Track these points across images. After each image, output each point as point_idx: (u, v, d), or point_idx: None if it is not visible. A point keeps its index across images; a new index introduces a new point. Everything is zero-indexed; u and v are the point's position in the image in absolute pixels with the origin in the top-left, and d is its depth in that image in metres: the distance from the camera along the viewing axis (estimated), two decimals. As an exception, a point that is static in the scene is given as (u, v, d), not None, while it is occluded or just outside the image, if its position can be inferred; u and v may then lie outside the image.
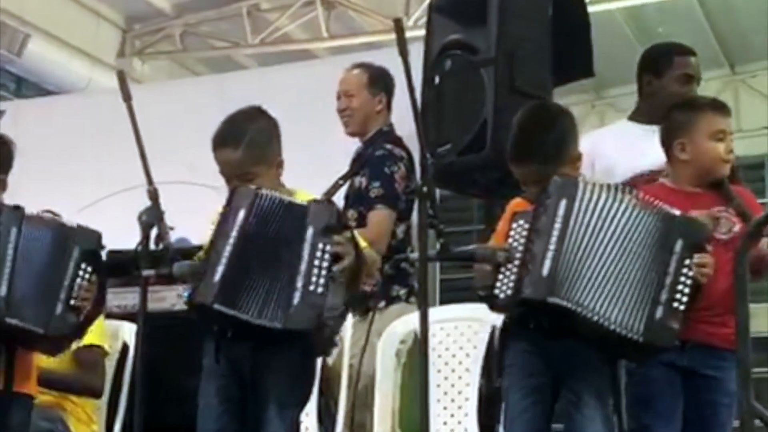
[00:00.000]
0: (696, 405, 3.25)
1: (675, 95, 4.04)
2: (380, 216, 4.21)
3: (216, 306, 2.99)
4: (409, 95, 2.87)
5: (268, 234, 3.05)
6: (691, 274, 2.95)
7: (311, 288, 2.96)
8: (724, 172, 3.36)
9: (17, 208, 3.41)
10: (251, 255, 3.04)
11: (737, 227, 3.25)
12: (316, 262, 2.98)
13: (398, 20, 2.87)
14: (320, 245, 2.99)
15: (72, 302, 3.32)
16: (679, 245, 2.96)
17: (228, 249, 3.02)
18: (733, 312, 3.15)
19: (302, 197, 3.18)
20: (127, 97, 3.19)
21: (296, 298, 2.96)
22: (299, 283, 2.97)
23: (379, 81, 4.44)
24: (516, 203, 3.17)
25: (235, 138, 3.19)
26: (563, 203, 2.94)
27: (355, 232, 3.15)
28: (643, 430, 3.21)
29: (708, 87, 10.97)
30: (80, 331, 3.44)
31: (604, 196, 2.97)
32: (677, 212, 3.02)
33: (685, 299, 2.94)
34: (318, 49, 9.94)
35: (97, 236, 3.45)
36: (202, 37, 10.23)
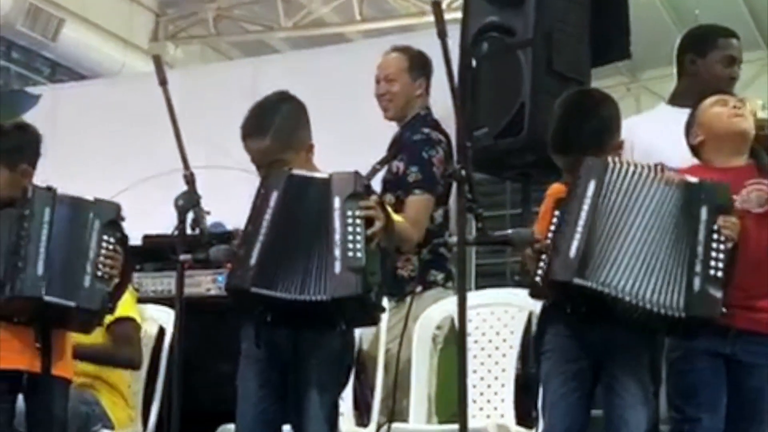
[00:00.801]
0: (739, 392, 3.20)
1: (718, 77, 4.02)
2: (418, 201, 4.18)
3: (253, 289, 2.98)
4: (448, 79, 2.83)
5: (299, 212, 3.05)
6: (722, 239, 2.91)
7: (350, 254, 2.96)
8: (739, 127, 3.30)
9: (49, 189, 3.46)
10: (286, 235, 3.03)
11: None
12: (349, 228, 2.98)
13: (437, 3, 2.84)
14: (349, 212, 2.99)
15: (99, 273, 3.37)
16: (704, 212, 2.94)
17: (263, 231, 3.02)
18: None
19: None
20: (162, 81, 3.18)
21: (337, 267, 2.95)
22: (337, 252, 2.96)
23: (420, 65, 4.40)
24: (557, 189, 3.14)
25: (261, 127, 3.18)
26: (592, 184, 2.93)
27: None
28: (688, 421, 3.18)
29: (746, 70, 10.90)
30: (111, 302, 3.47)
31: (630, 175, 2.95)
32: (695, 179, 2.99)
33: (721, 265, 2.90)
34: (351, 32, 9.92)
35: (115, 207, 3.50)
36: (235, 21, 10.25)
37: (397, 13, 9.76)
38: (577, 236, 2.88)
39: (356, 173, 3.09)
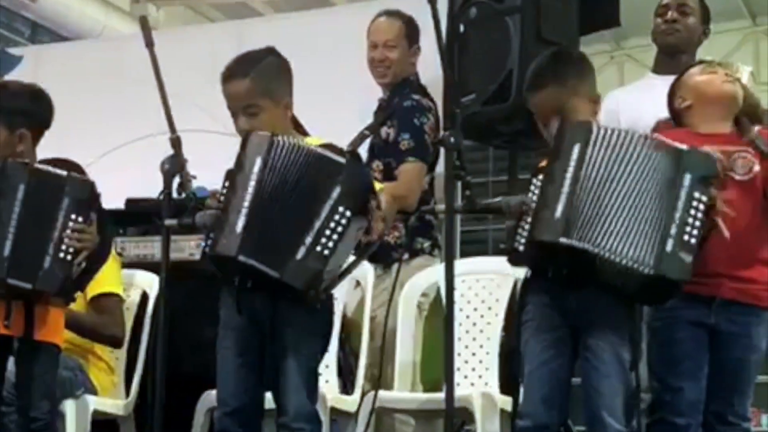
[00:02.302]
0: (722, 363, 3.22)
1: (655, 30, 4.08)
2: (412, 169, 4.16)
3: (241, 258, 2.96)
4: (438, 45, 2.81)
5: (289, 182, 3.01)
6: (701, 207, 2.91)
7: (318, 249, 2.94)
8: (730, 91, 3.30)
9: (25, 164, 3.37)
10: (271, 204, 3.00)
11: (757, 167, 3.19)
12: (332, 225, 2.94)
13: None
14: (341, 209, 2.95)
15: (61, 255, 3.28)
16: (687, 179, 2.93)
17: (248, 198, 2.99)
18: (758, 260, 3.12)
19: (313, 142, 3.15)
20: (149, 43, 3.14)
21: (300, 254, 2.94)
22: (308, 240, 2.94)
23: (415, 31, 4.38)
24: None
25: (243, 69, 3.18)
26: (576, 147, 2.92)
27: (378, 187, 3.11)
28: (669, 390, 3.19)
29: (729, 39, 10.93)
30: (79, 284, 3.42)
31: (615, 139, 2.94)
32: (684, 147, 2.98)
33: (695, 232, 2.90)
34: (334, -4, 9.83)
35: (88, 185, 3.38)
36: (217, -18, 10.14)
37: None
38: (563, 198, 2.88)
39: (369, 172, 3.05)
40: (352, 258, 3.13)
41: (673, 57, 4.11)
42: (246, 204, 2.98)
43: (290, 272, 2.93)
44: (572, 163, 2.90)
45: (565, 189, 2.89)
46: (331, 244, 2.93)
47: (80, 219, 3.31)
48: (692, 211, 2.91)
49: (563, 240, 2.86)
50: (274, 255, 2.96)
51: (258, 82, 3.15)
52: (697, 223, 2.90)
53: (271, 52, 3.27)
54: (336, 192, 2.96)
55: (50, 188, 3.33)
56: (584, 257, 2.89)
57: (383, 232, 3.10)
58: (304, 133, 3.32)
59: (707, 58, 3.58)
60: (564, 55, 3.30)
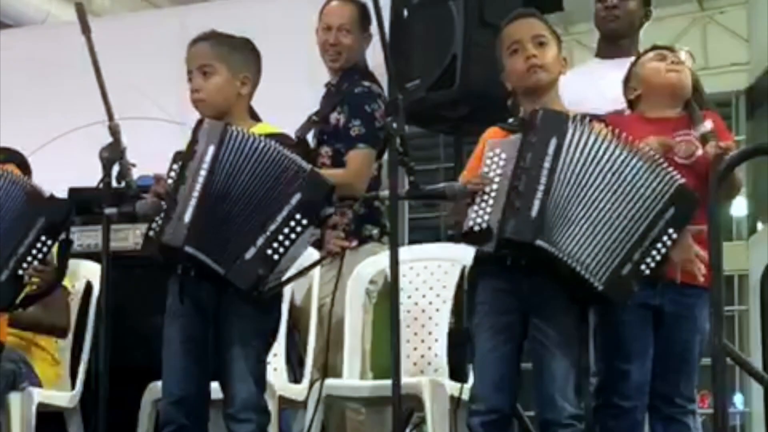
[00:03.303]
0: (668, 344, 3.24)
1: (596, 16, 4.15)
2: (361, 155, 4.13)
3: (187, 248, 2.94)
4: (379, 31, 2.80)
5: (244, 176, 2.98)
6: (669, 244, 2.93)
7: (268, 252, 2.92)
8: (675, 81, 3.32)
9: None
10: (223, 197, 2.98)
11: (700, 151, 3.21)
12: (286, 230, 2.93)
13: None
14: (298, 216, 2.93)
15: (19, 272, 3.30)
16: (670, 213, 2.94)
17: (198, 188, 2.96)
18: (703, 241, 3.14)
19: (264, 130, 3.14)
20: (86, 30, 3.10)
21: (249, 254, 2.92)
22: (260, 241, 2.92)
23: (367, 18, 4.33)
24: (491, 132, 3.12)
25: (208, 35, 3.24)
26: (553, 141, 2.90)
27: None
28: (615, 372, 3.20)
29: (676, 23, 11.04)
30: (28, 301, 3.44)
31: (593, 136, 2.94)
32: (682, 180, 2.98)
33: (653, 265, 2.94)
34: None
35: (66, 209, 3.41)
36: (163, -31, 10.04)
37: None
38: (539, 195, 2.86)
39: (331, 185, 3.02)
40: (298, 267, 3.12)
41: (614, 42, 4.13)
42: (195, 194, 2.95)
43: (236, 271, 2.92)
44: (548, 158, 2.89)
45: (542, 186, 2.87)
46: (281, 249, 2.92)
47: (49, 242, 3.33)
48: (660, 245, 2.93)
49: (538, 242, 2.86)
50: (222, 250, 2.94)
51: (217, 47, 3.20)
52: (658, 258, 2.93)
53: (246, 40, 3.30)
54: (296, 198, 2.94)
55: (29, 204, 3.36)
56: (548, 255, 2.89)
57: (333, 251, 3.08)
58: (256, 118, 3.30)
59: (657, 44, 3.58)
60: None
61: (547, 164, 2.88)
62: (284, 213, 2.92)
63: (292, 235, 2.93)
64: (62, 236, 3.38)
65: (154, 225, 3.03)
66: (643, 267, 2.92)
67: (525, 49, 3.09)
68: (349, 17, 4.32)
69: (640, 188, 2.94)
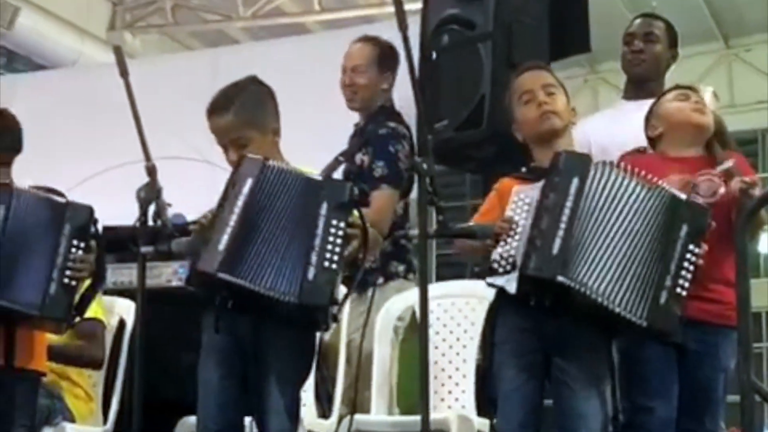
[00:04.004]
0: (691, 382, 3.24)
1: (623, 59, 4.14)
2: (384, 196, 4.17)
3: (220, 274, 2.95)
4: (410, 73, 2.84)
5: (278, 205, 3.03)
6: (693, 259, 2.94)
7: (326, 264, 2.95)
8: (698, 120, 3.34)
9: (5, 185, 3.39)
10: (259, 225, 3.01)
11: (722, 190, 3.23)
12: (330, 239, 2.97)
13: (398, -2, 2.83)
14: (334, 221, 2.98)
15: (66, 281, 3.30)
16: (684, 230, 2.95)
17: (234, 218, 2.99)
18: (724, 280, 3.16)
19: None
20: (124, 73, 3.15)
21: (311, 273, 2.95)
22: (314, 259, 2.96)
23: (388, 58, 4.37)
24: (503, 183, 3.17)
25: (225, 103, 3.22)
26: (575, 181, 2.92)
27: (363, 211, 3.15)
28: (640, 410, 3.20)
29: (702, 61, 11.05)
30: (80, 309, 3.42)
31: (614, 175, 2.96)
32: (684, 196, 3.00)
33: (687, 284, 2.94)
34: (310, 22, 9.90)
35: (88, 211, 3.41)
36: (193, 11, 10.18)
37: (356, 3, 9.74)
38: (560, 233, 2.87)
39: (349, 182, 3.10)
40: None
41: (640, 84, 4.16)
42: (231, 223, 2.99)
43: (306, 294, 2.95)
44: (571, 197, 2.90)
45: (563, 224, 2.88)
46: (335, 257, 2.96)
47: (81, 245, 3.33)
48: (686, 264, 2.94)
49: (559, 278, 2.86)
50: (274, 278, 2.96)
51: (241, 115, 3.20)
52: (689, 276, 2.93)
53: (252, 81, 3.31)
54: (324, 207, 3.00)
55: (51, 214, 3.35)
56: (572, 293, 2.89)
57: (357, 253, 3.10)
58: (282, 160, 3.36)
59: (680, 83, 3.62)
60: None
61: (569, 203, 2.90)
62: (321, 224, 2.98)
63: (338, 240, 2.98)
64: (91, 235, 3.38)
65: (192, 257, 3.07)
66: (679, 290, 2.92)
67: (537, 98, 3.15)
68: (363, 57, 4.38)
69: (653, 217, 2.95)
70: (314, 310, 2.99)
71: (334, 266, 2.96)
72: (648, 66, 4.17)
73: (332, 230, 2.98)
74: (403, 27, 2.77)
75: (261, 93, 3.29)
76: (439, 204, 2.84)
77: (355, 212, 3.07)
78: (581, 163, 2.98)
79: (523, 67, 3.30)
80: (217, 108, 3.23)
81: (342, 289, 3.12)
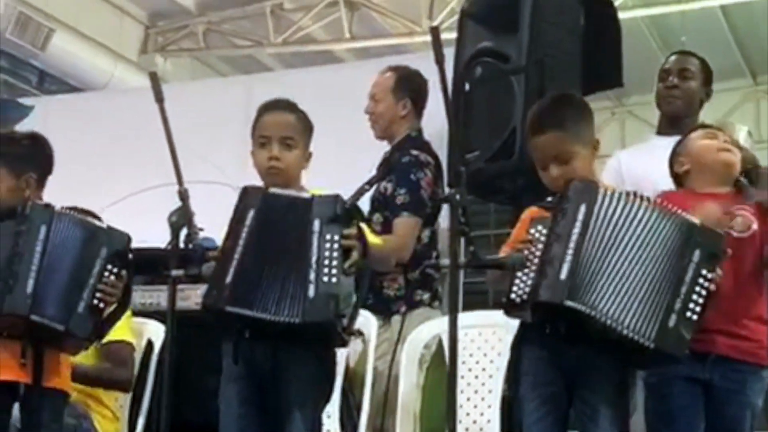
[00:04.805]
0: (718, 419, 3.24)
1: (657, 95, 4.18)
2: (406, 224, 4.21)
3: (228, 308, 3.02)
4: (445, 104, 2.87)
5: (275, 231, 3.09)
6: (706, 284, 2.95)
7: (324, 279, 3.00)
8: (727, 159, 3.36)
9: (47, 206, 3.44)
10: (261, 254, 3.07)
11: (755, 226, 3.24)
12: (326, 253, 3.02)
13: (435, 28, 2.88)
14: (328, 236, 3.03)
15: (95, 302, 3.36)
16: (696, 255, 2.96)
17: (238, 250, 3.07)
18: (756, 317, 3.16)
19: (316, 192, 3.22)
20: (159, 98, 3.19)
21: (311, 291, 3.00)
22: (312, 276, 3.00)
23: (405, 85, 4.42)
24: (531, 211, 3.19)
25: (289, 105, 3.35)
26: (582, 208, 2.96)
27: (363, 226, 3.19)
28: None
29: (730, 97, 11.04)
30: (101, 331, 3.47)
31: (623, 201, 2.98)
32: (696, 221, 3.02)
33: (698, 309, 2.94)
34: (340, 50, 9.96)
35: (126, 238, 3.48)
36: (224, 36, 10.26)
37: (386, 32, 9.81)
38: (568, 258, 2.91)
39: (337, 196, 3.13)
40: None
41: (675, 120, 4.18)
42: (236, 255, 3.06)
43: (310, 312, 2.99)
44: (578, 224, 2.94)
45: (571, 250, 2.92)
46: (334, 270, 3.01)
47: (115, 270, 3.40)
48: (698, 288, 2.95)
49: (568, 303, 2.89)
50: (278, 302, 3.01)
51: (301, 122, 3.33)
52: (701, 300, 2.94)
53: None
54: (317, 224, 3.04)
55: (90, 237, 3.42)
56: (584, 317, 2.91)
57: (359, 264, 3.13)
58: (302, 188, 3.40)
59: (707, 121, 3.64)
60: (564, 98, 3.32)
61: (576, 229, 2.93)
62: (315, 241, 3.03)
63: (334, 254, 3.02)
64: (125, 262, 3.44)
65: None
66: (688, 314, 2.93)
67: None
68: (379, 86, 4.44)
69: (664, 242, 2.97)
70: (320, 327, 3.03)
71: (333, 280, 3.00)
72: (682, 103, 4.19)
73: (327, 245, 3.03)
74: (439, 60, 2.80)
75: (311, 120, 3.39)
76: (470, 235, 2.87)
77: (356, 226, 3.12)
78: (589, 190, 3.00)
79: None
80: (280, 105, 3.35)
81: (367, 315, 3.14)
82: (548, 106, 3.26)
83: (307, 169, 3.36)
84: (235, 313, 3.01)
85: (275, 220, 3.10)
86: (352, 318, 3.12)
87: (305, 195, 3.16)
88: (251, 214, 3.08)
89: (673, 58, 4.31)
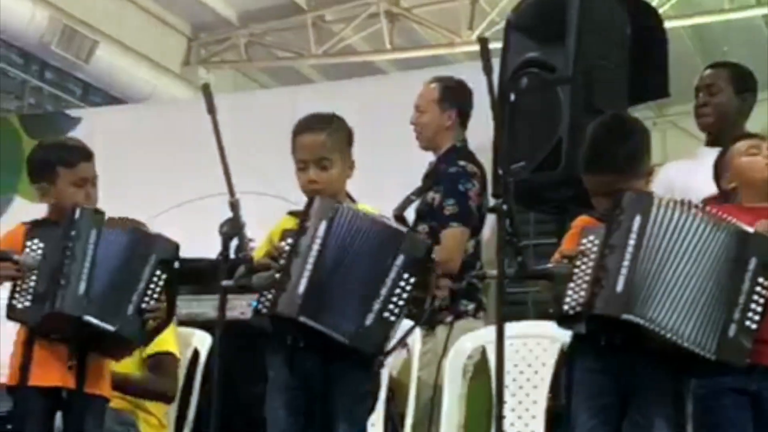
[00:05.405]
0: (764, 430, 3.22)
1: (695, 111, 4.17)
2: (454, 234, 4.22)
3: (302, 318, 3.03)
4: (492, 116, 2.89)
5: (353, 248, 3.09)
6: (764, 293, 2.93)
7: (385, 315, 3.02)
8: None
9: (98, 212, 3.49)
10: (334, 268, 3.08)
11: None
12: (398, 291, 3.03)
13: (484, 39, 2.89)
14: (406, 275, 3.04)
15: (143, 306, 3.40)
16: (753, 263, 2.94)
17: (311, 261, 3.06)
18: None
19: (363, 209, 3.24)
20: (211, 109, 3.22)
21: (369, 320, 3.02)
22: (376, 306, 3.02)
23: (451, 96, 4.43)
24: (582, 220, 3.18)
25: (321, 123, 3.31)
26: (637, 219, 2.94)
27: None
28: None
29: (770, 109, 10.95)
30: (148, 337, 3.53)
31: (677, 212, 2.96)
32: (751, 229, 3.00)
33: (757, 318, 2.92)
34: (381, 61, 10.00)
35: (174, 246, 3.52)
36: (266, 47, 10.34)
37: (426, 43, 9.83)
38: (624, 270, 2.89)
39: (429, 241, 3.17)
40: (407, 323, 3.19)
41: (714, 134, 4.18)
42: (309, 267, 3.06)
43: (359, 338, 3.02)
44: (634, 235, 2.91)
45: (627, 261, 2.89)
46: (397, 310, 3.02)
47: (163, 276, 3.44)
48: (755, 296, 2.93)
49: (625, 316, 2.88)
50: (340, 319, 3.04)
51: (334, 138, 3.29)
52: (759, 309, 2.92)
53: (337, 116, 3.39)
54: (400, 259, 3.04)
55: (140, 242, 3.48)
56: (641, 330, 2.89)
57: (437, 300, 3.17)
58: (351, 199, 3.41)
59: (749, 132, 3.62)
60: (622, 131, 3.24)
61: (632, 241, 2.91)
62: (393, 275, 3.03)
63: (404, 295, 3.03)
64: (173, 270, 3.48)
65: (262, 299, 3.13)
66: (747, 323, 2.91)
67: None
68: (424, 97, 4.46)
69: (719, 252, 2.95)
70: (363, 353, 3.06)
71: (393, 318, 3.02)
72: (714, 119, 4.20)
73: (401, 283, 3.04)
74: (488, 71, 2.82)
75: (348, 128, 3.38)
76: (518, 245, 2.87)
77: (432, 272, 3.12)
78: (643, 200, 2.98)
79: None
80: (311, 126, 3.31)
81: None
82: (606, 141, 3.21)
83: (351, 178, 3.36)
84: (305, 324, 3.03)
85: (352, 236, 3.10)
86: (389, 352, 3.14)
87: (399, 226, 3.18)
88: (323, 225, 3.09)
89: (703, 74, 4.30)
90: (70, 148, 3.64)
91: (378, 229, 3.12)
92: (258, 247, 3.21)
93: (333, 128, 3.31)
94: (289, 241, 3.12)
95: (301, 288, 3.04)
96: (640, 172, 3.15)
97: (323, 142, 3.27)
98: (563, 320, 3.03)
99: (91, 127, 6.44)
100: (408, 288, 3.03)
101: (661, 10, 6.95)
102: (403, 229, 3.16)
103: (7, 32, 8.64)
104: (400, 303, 3.02)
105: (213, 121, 3.18)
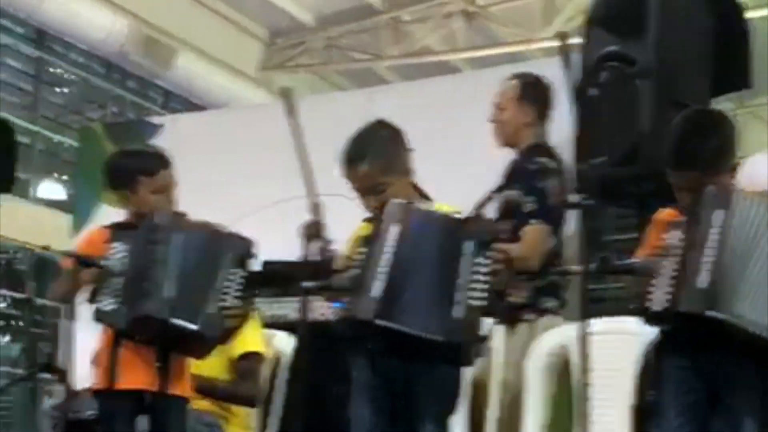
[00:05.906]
0: None
1: None
2: (535, 231, 4.17)
3: (378, 321, 3.05)
4: (573, 110, 2.87)
5: (424, 248, 3.11)
6: None
7: (470, 302, 3.02)
8: None
9: (177, 214, 3.55)
10: (408, 269, 3.09)
11: None
12: (475, 277, 3.04)
13: (564, 33, 2.86)
14: (479, 259, 3.04)
15: (222, 304, 3.42)
16: None
17: (385, 264, 3.08)
18: None
19: (441, 208, 3.26)
20: (292, 112, 3.24)
21: (457, 312, 3.01)
22: (459, 297, 3.02)
23: (530, 92, 4.38)
24: (666, 213, 3.14)
25: (358, 153, 3.29)
26: (720, 214, 2.91)
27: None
28: None
29: None
30: (228, 334, 3.57)
31: (759, 206, 2.93)
32: None
33: None
34: (457, 60, 9.99)
35: (248, 244, 3.54)
36: (342, 50, 10.38)
37: (502, 41, 9.79)
38: (707, 266, 2.87)
39: (489, 220, 3.19)
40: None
41: None
42: (383, 270, 3.08)
43: (453, 332, 3.02)
44: (716, 230, 2.89)
45: (709, 258, 2.87)
46: (481, 294, 3.03)
47: (240, 274, 3.46)
48: None
49: (710, 313, 2.85)
50: (424, 318, 3.05)
51: (376, 163, 3.27)
52: None
53: (379, 125, 3.37)
54: (470, 245, 3.06)
55: (216, 242, 3.50)
56: (727, 326, 2.87)
57: (504, 285, 3.15)
58: (426, 198, 3.41)
59: None
60: (708, 126, 3.18)
61: (714, 236, 2.89)
62: (465, 263, 3.05)
63: (482, 278, 3.04)
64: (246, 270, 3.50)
65: (344, 300, 3.17)
66: None
67: None
68: (504, 94, 4.40)
69: None
70: (460, 346, 3.06)
71: (478, 303, 3.02)
72: None
73: (477, 268, 3.04)
74: (568, 65, 2.80)
75: (391, 137, 3.35)
76: (603, 240, 2.85)
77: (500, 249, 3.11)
78: (725, 195, 2.95)
79: None
80: (350, 159, 3.30)
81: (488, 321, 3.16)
82: (692, 137, 3.14)
83: (413, 180, 3.34)
84: (382, 326, 3.05)
85: (422, 236, 3.12)
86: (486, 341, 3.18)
87: (455, 215, 3.19)
88: (395, 229, 3.10)
89: None
90: (150, 156, 3.69)
91: (444, 223, 3.14)
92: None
93: (373, 152, 3.28)
94: (364, 249, 3.15)
95: (377, 291, 3.06)
96: (726, 168, 3.11)
97: (368, 172, 3.26)
98: (649, 317, 3.00)
99: (172, 133, 6.53)
100: (483, 270, 3.03)
101: (742, 0, 6.83)
102: (460, 218, 3.15)
103: (89, 43, 8.81)
104: (481, 287, 3.03)
105: (294, 125, 3.20)
